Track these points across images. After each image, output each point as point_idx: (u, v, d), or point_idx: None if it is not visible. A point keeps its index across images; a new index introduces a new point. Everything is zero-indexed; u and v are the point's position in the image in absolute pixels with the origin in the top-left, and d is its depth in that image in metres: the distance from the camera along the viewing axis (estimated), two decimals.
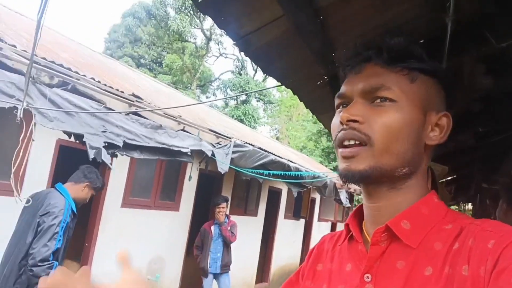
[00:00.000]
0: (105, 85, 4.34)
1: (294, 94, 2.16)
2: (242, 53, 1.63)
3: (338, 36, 1.72)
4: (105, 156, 3.53)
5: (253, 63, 1.77)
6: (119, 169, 4.83)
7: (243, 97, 25.17)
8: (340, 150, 0.70)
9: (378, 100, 0.69)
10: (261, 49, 1.65)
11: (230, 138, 5.57)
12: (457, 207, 9.46)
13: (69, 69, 3.91)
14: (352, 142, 0.68)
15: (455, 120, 0.74)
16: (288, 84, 2.04)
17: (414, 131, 0.69)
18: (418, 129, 0.69)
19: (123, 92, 4.50)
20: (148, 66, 28.90)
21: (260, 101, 29.09)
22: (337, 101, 0.75)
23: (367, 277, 0.67)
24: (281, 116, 30.50)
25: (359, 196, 13.40)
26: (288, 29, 1.55)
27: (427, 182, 0.75)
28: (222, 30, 1.48)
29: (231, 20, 1.45)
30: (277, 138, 28.15)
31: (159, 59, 29.30)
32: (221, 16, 1.41)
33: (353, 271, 0.72)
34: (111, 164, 3.47)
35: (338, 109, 0.75)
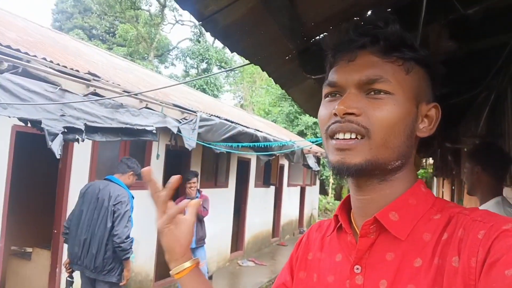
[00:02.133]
0: (58, 64, 4.09)
1: (263, 70, 2.09)
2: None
3: (307, 10, 1.65)
4: (57, 145, 3.34)
5: (220, 42, 1.68)
6: (82, 151, 4.65)
7: (204, 66, 24.66)
8: (333, 141, 0.67)
9: (373, 93, 0.66)
10: (228, 28, 1.57)
11: (195, 112, 5.45)
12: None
13: (18, 50, 3.64)
14: (347, 136, 0.66)
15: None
16: (256, 61, 1.97)
17: (409, 125, 0.68)
18: (412, 122, 0.68)
19: (78, 71, 4.25)
20: (101, 37, 27.55)
21: (221, 68, 28.61)
22: (326, 89, 0.72)
23: (357, 269, 0.67)
24: (244, 82, 30.21)
25: (326, 159, 13.70)
26: (255, 6, 1.47)
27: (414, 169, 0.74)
28: (188, 12, 1.38)
29: (195, 0, 1.35)
30: (241, 106, 27.99)
31: (112, 29, 27.93)
32: None
33: (343, 262, 0.72)
34: (60, 154, 3.32)
35: (327, 98, 0.72)
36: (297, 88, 2.43)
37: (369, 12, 1.67)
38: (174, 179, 0.80)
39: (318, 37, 1.98)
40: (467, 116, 4.29)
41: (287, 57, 2.05)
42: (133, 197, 3.93)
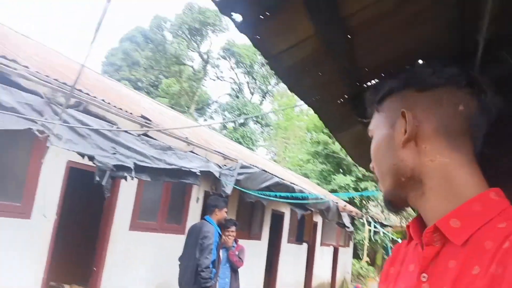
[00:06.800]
0: (114, 106, 4.38)
1: (315, 112, 2.18)
2: (273, 72, 1.67)
3: (363, 56, 1.76)
4: (106, 181, 3.52)
5: (282, 81, 1.80)
6: (127, 191, 4.81)
7: (241, 120, 25.30)
8: None
9: None
10: (292, 68, 1.69)
11: (236, 159, 5.58)
12: None
13: (81, 90, 3.95)
14: None
15: None
16: (311, 102, 2.07)
17: (385, 146, 0.79)
18: (388, 142, 0.78)
19: (132, 114, 4.53)
20: (145, 90, 29.04)
21: (257, 123, 29.22)
22: None
23: (424, 277, 0.68)
24: (277, 138, 30.56)
25: (361, 220, 13.21)
26: (318, 48, 1.58)
27: (476, 178, 0.70)
28: (257, 49, 1.51)
29: (266, 39, 1.49)
30: (274, 161, 28.10)
31: (156, 82, 29.48)
32: (257, 35, 1.44)
33: (414, 271, 0.73)
34: (108, 192, 3.51)
35: None
36: (346, 133, 2.49)
37: (420, 61, 1.76)
38: None
39: (369, 83, 2.07)
40: None
41: (338, 101, 2.14)
42: (219, 233, 4.78)
